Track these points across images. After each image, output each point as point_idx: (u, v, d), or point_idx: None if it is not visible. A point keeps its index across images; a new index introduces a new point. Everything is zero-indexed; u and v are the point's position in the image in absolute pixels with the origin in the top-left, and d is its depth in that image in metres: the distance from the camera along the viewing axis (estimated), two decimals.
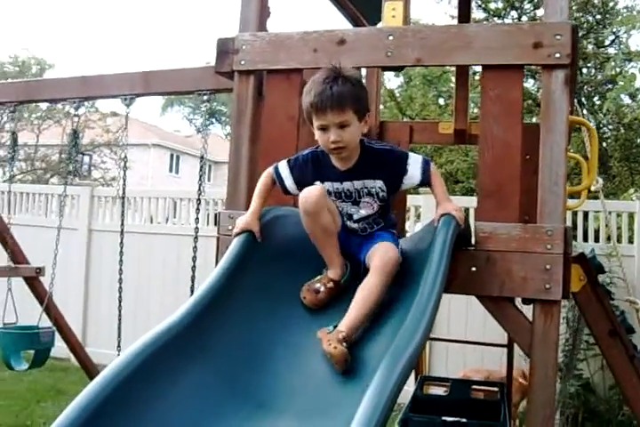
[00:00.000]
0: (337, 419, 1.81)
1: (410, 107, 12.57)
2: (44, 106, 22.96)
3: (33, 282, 5.98)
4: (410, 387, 5.05)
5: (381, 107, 14.32)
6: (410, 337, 1.88)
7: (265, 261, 2.52)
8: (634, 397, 3.51)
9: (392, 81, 15.44)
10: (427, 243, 2.40)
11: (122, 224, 4.70)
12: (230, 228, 2.78)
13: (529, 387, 2.72)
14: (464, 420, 4.03)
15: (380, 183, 2.54)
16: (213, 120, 41.17)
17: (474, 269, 2.68)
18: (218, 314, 2.20)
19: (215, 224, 3.18)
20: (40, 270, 5.99)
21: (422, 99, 13.22)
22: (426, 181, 2.56)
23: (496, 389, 4.65)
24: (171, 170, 35.93)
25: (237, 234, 2.57)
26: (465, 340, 5.76)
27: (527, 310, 2.73)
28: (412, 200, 6.85)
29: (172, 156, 36.19)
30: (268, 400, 2.04)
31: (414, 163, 2.54)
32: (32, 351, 5.40)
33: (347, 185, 2.56)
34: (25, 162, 21.09)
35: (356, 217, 2.60)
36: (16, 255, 5.91)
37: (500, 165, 2.72)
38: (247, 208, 2.91)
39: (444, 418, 4.07)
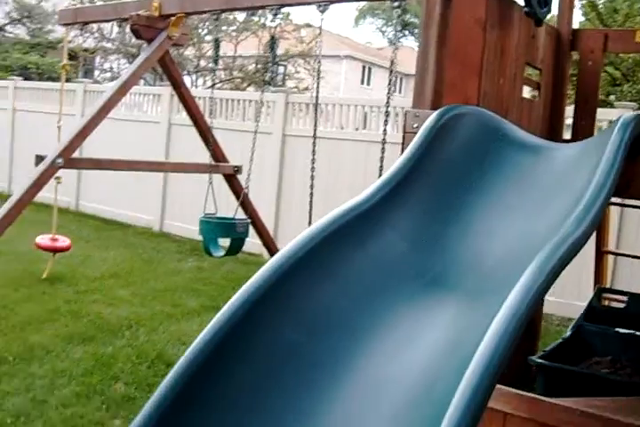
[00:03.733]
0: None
1: (612, 18, 11.81)
2: (240, 18, 23.61)
3: (231, 179, 6.50)
4: (574, 301, 5.01)
5: (582, 19, 13.59)
6: (564, 239, 1.76)
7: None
8: None
9: None
10: (602, 145, 2.30)
11: (314, 129, 4.98)
12: (415, 126, 2.91)
13: None
14: (639, 333, 4.03)
15: None
16: (406, 32, 40.53)
17: None
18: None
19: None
20: (237, 169, 6.48)
21: (627, 10, 12.35)
22: None
23: None
24: (362, 82, 36.08)
25: None
26: None
27: None
28: (602, 114, 6.50)
29: (363, 67, 36.27)
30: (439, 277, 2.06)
31: None
32: (228, 241, 5.93)
33: None
34: (224, 71, 21.95)
35: None
36: (217, 154, 6.42)
37: None
38: (433, 108, 3.02)
39: (617, 329, 4.10)
